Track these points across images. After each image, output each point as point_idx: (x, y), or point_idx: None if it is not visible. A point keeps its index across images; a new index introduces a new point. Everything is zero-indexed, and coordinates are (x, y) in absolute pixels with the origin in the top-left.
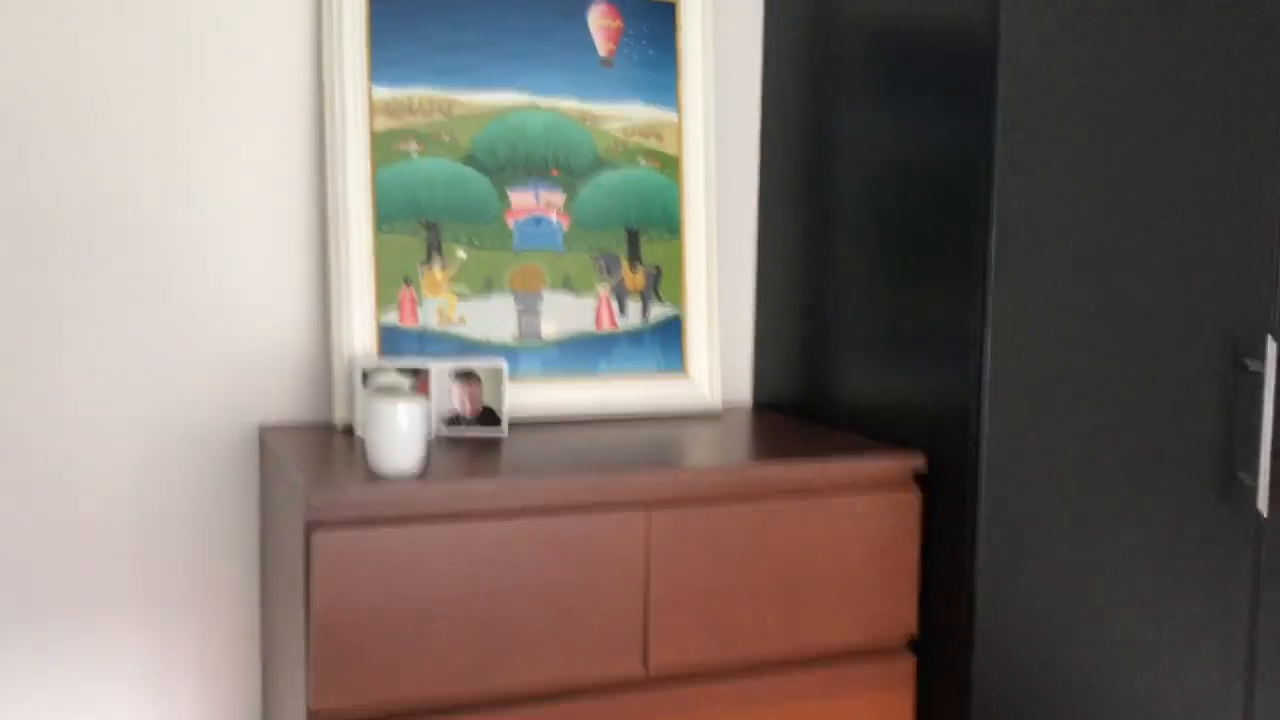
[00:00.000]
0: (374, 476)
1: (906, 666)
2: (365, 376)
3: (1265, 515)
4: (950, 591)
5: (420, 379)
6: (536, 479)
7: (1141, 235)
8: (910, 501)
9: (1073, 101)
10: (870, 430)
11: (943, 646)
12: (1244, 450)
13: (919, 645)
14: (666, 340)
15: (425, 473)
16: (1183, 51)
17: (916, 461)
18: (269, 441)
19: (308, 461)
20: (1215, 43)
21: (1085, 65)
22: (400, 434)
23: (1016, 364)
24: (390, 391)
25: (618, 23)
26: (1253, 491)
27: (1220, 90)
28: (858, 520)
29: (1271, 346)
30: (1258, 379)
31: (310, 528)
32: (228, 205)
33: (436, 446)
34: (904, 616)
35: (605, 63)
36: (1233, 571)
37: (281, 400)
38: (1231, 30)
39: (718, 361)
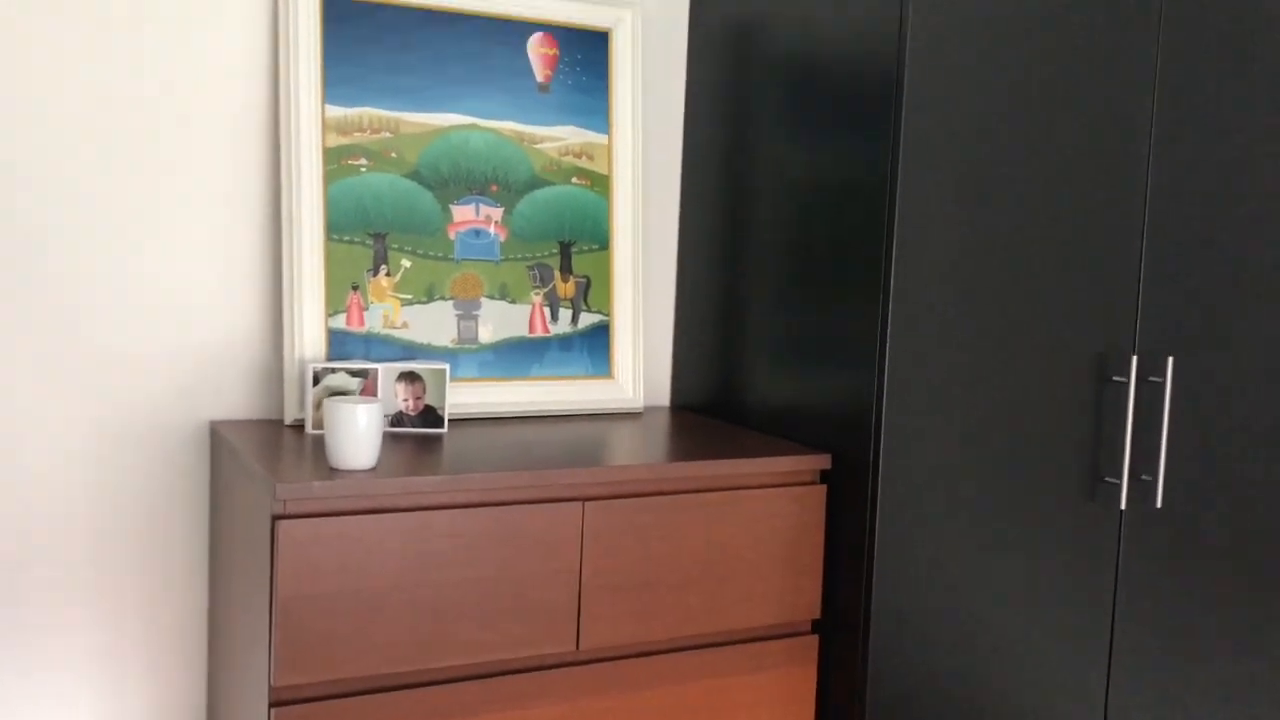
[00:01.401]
0: (332, 471)
1: (811, 645)
2: (316, 378)
3: (1125, 510)
4: (850, 577)
5: (368, 379)
6: (482, 473)
7: (1023, 258)
8: (816, 496)
9: (967, 133)
10: (778, 430)
11: (843, 627)
12: (1110, 454)
13: (822, 625)
14: (594, 345)
15: (377, 469)
16: (1063, 93)
17: (822, 461)
18: (223, 436)
19: (266, 456)
20: (1090, 87)
21: (979, 102)
22: (359, 433)
23: (911, 372)
24: (348, 395)
25: (554, 51)
26: (1117, 490)
27: (1093, 132)
28: (769, 513)
29: (1134, 362)
30: (1123, 390)
31: (276, 518)
32: (183, 210)
33: (383, 443)
34: (809, 600)
35: (542, 88)
36: (1100, 561)
37: (232, 397)
38: (1103, 77)
39: (641, 365)
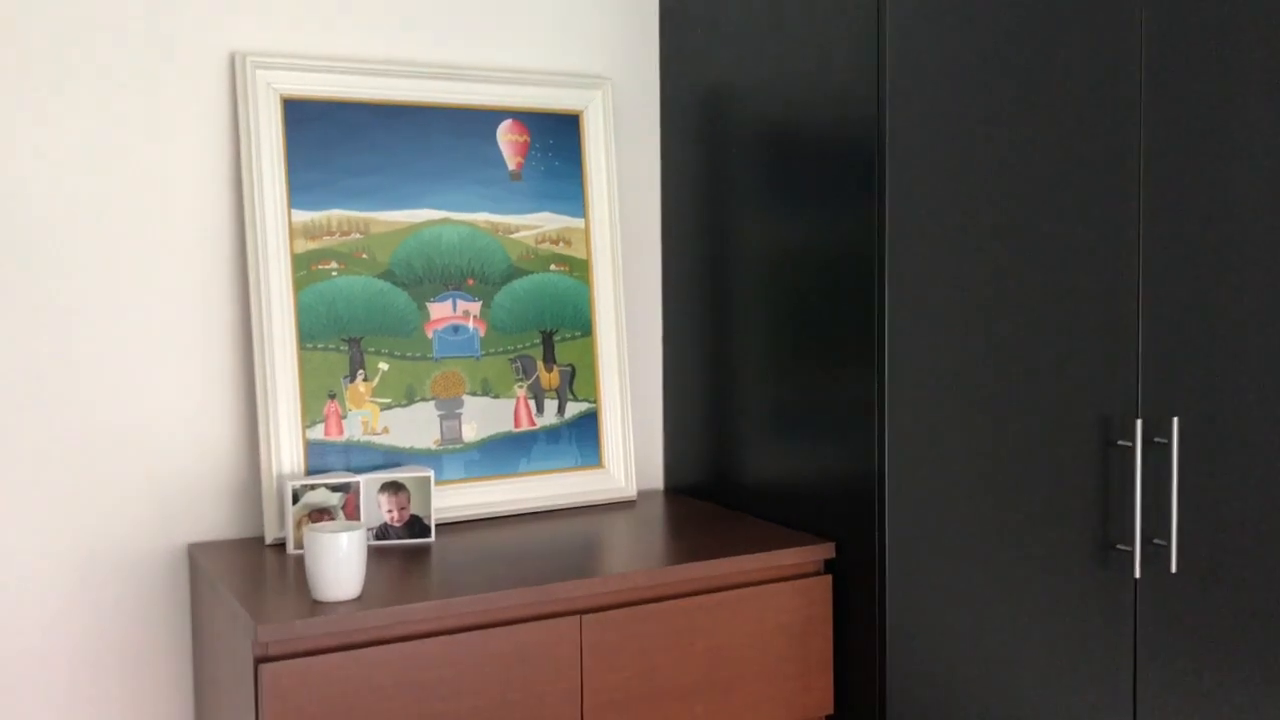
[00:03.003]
0: (315, 603)
1: None
2: (296, 495)
3: (1139, 578)
4: (862, 667)
5: (349, 493)
6: (472, 595)
7: (1020, 322)
8: (821, 588)
9: (955, 193)
10: (777, 512)
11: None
12: (1120, 520)
13: None
14: (583, 435)
15: (362, 596)
16: (1053, 147)
17: (826, 550)
18: (201, 562)
19: (246, 586)
20: (1080, 141)
21: (966, 159)
22: (342, 562)
23: (911, 446)
24: (328, 511)
25: (524, 137)
26: (1130, 557)
27: (1087, 190)
28: (774, 610)
29: (1139, 425)
30: (1129, 454)
31: (258, 660)
32: (151, 328)
33: (368, 560)
34: (820, 697)
35: (514, 176)
36: (1118, 629)
37: (211, 518)
38: (1093, 130)
39: (632, 452)
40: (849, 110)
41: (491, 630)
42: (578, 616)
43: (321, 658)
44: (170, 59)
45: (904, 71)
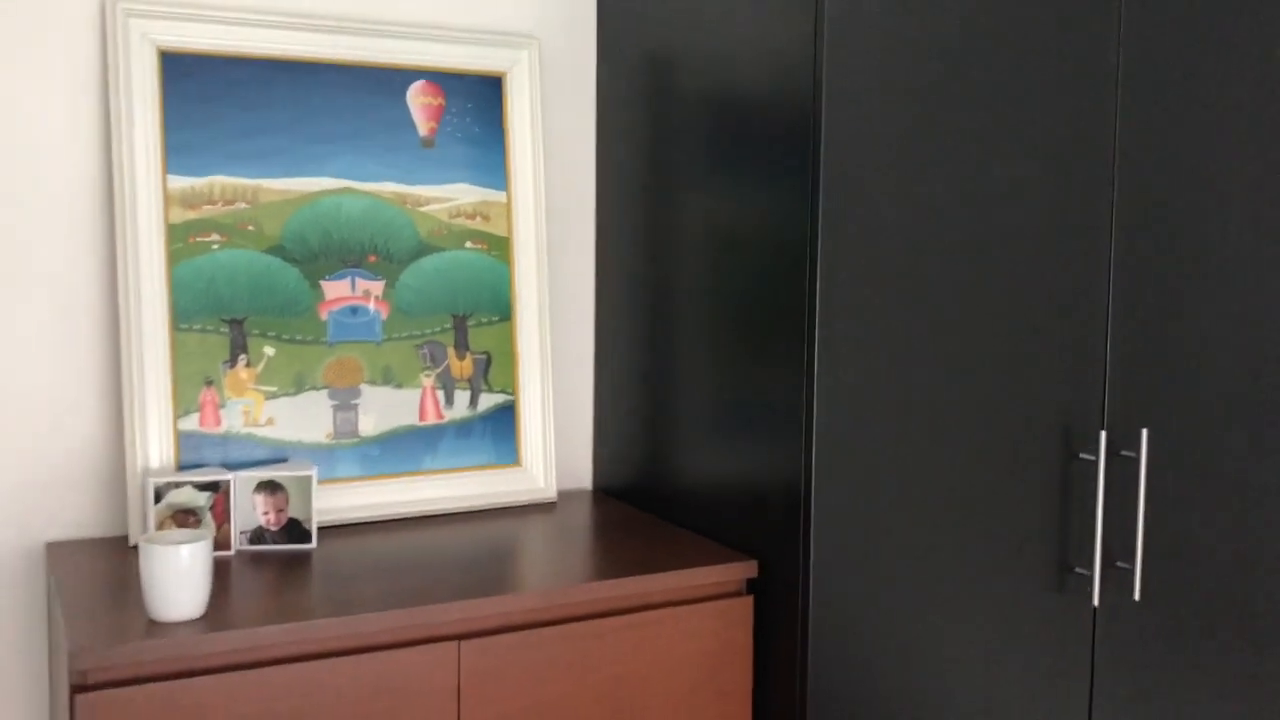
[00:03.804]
0: (151, 623)
1: None
2: (159, 494)
3: (1098, 605)
4: (782, 698)
5: (219, 492)
6: (333, 619)
7: (971, 320)
8: (741, 610)
9: (900, 175)
10: (705, 518)
11: None
12: (1079, 541)
13: None
14: (498, 430)
15: (210, 614)
16: (1015, 136)
17: (748, 568)
18: (54, 563)
19: (84, 598)
20: (1043, 123)
21: (913, 140)
22: (181, 577)
23: (844, 452)
24: (194, 512)
25: (439, 100)
26: (1088, 582)
27: (1050, 175)
28: (687, 634)
29: (1103, 437)
30: (1092, 469)
31: (74, 690)
32: (13, 304)
33: (237, 566)
34: None
35: (426, 143)
36: (1073, 660)
37: (73, 514)
38: (1057, 113)
39: (553, 450)
40: (785, 80)
41: (354, 657)
42: (456, 642)
43: (152, 686)
44: (32, 6)
45: (846, 35)
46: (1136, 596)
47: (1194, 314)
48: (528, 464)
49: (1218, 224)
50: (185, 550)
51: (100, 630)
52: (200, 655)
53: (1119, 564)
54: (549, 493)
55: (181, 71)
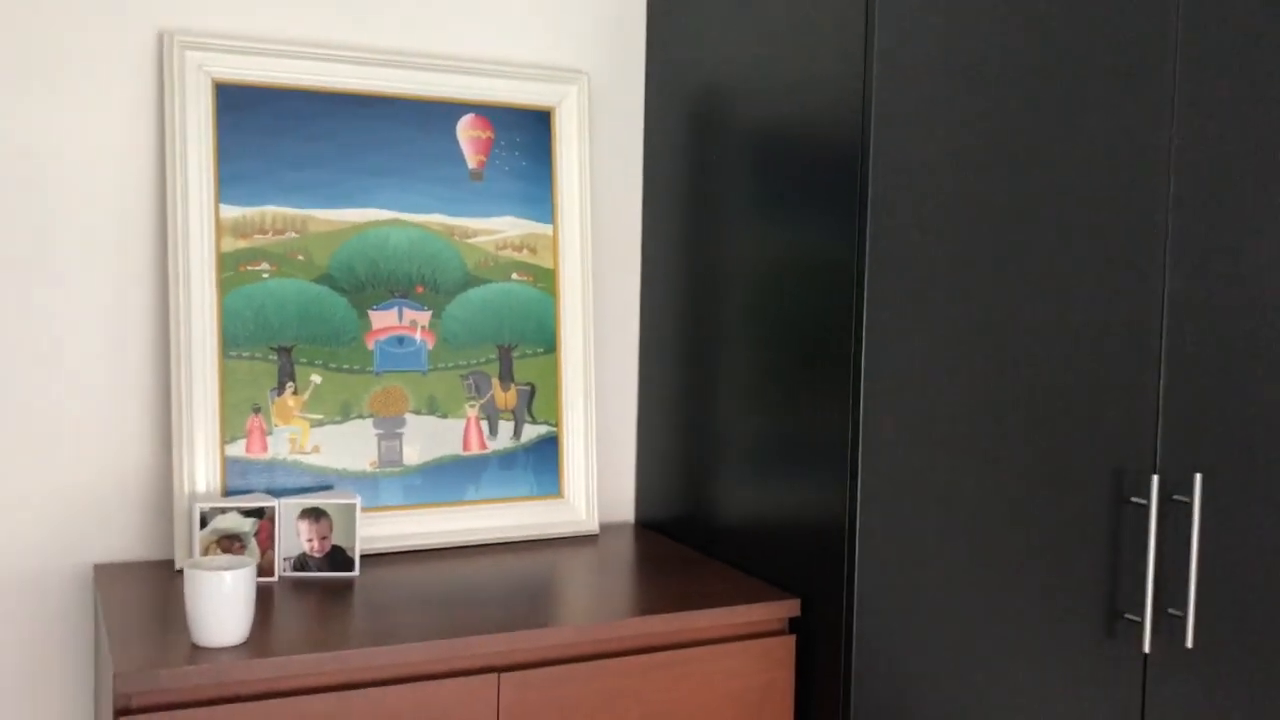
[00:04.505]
0: (194, 650)
1: None
2: (204, 519)
3: (1149, 652)
4: None
5: (264, 518)
6: (375, 648)
7: (1021, 359)
8: (783, 650)
9: (948, 217)
10: (747, 554)
11: None
12: (1131, 587)
13: None
14: (541, 461)
15: (252, 640)
16: (1064, 173)
17: (790, 606)
18: (101, 586)
19: (130, 623)
20: (1091, 165)
21: (962, 182)
22: (224, 603)
23: (891, 495)
24: (239, 538)
25: (488, 134)
26: (1139, 628)
27: (1103, 212)
28: (726, 672)
29: (1155, 481)
30: (1144, 514)
31: (118, 713)
32: (66, 331)
33: (279, 593)
34: None
35: (474, 175)
36: (1122, 712)
37: (121, 537)
38: (1107, 149)
39: (595, 482)
40: (833, 111)
41: (395, 687)
42: (496, 675)
43: (191, 712)
44: (93, 37)
45: (893, 75)
46: (1189, 644)
47: (1248, 356)
48: (570, 496)
49: (1273, 264)
50: (229, 576)
51: (144, 655)
52: (242, 681)
53: (1171, 611)
54: (591, 525)
55: (235, 103)
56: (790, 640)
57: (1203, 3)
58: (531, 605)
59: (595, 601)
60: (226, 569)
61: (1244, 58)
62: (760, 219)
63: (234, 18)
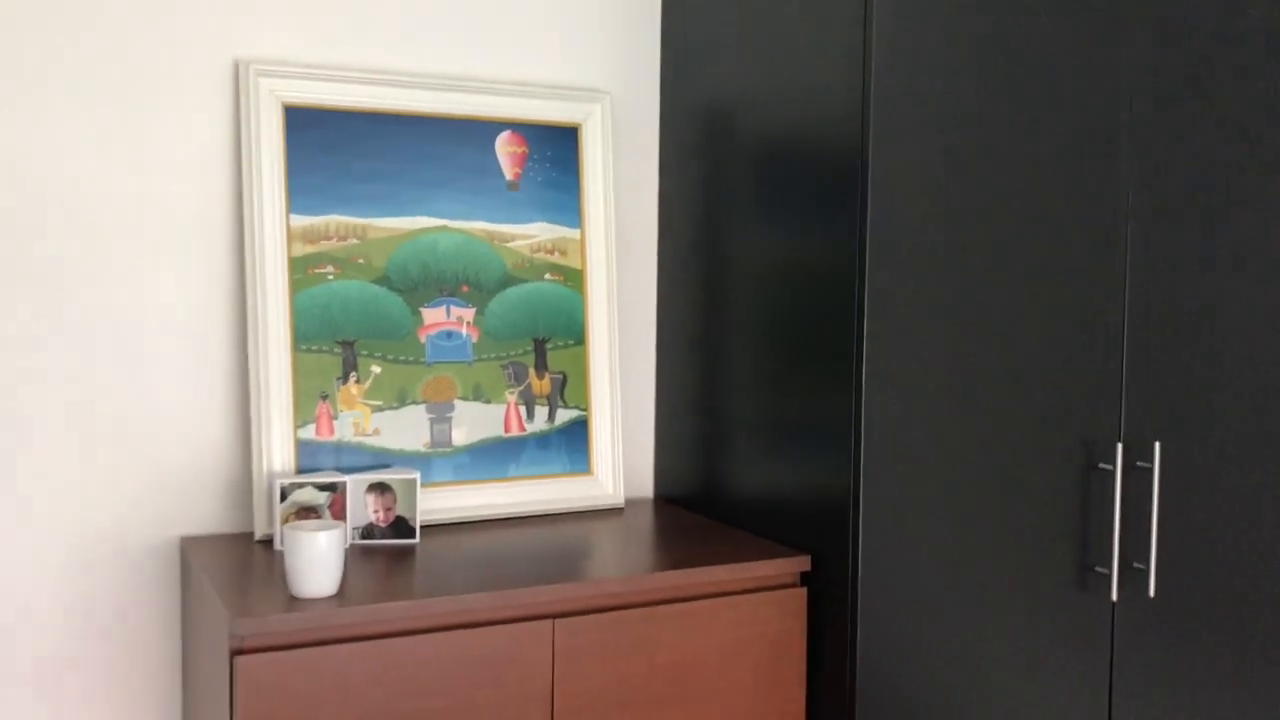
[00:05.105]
0: (293, 599)
1: None
2: (284, 493)
3: (1116, 601)
4: (834, 682)
5: (336, 493)
6: (447, 596)
7: (1002, 343)
8: (796, 601)
9: (937, 214)
10: (762, 523)
11: None
12: (1099, 543)
13: None
14: (572, 442)
15: (341, 593)
16: (1036, 170)
17: (801, 562)
18: (190, 555)
19: (229, 581)
20: (1064, 164)
21: (948, 183)
22: (319, 560)
23: (888, 462)
24: (315, 509)
25: (523, 149)
26: (1107, 580)
27: (1071, 212)
28: (747, 621)
29: (1119, 449)
30: (1110, 478)
31: (234, 653)
32: (153, 326)
33: (352, 557)
34: (794, 709)
35: (511, 186)
36: (1094, 652)
37: (203, 512)
38: (1078, 153)
39: (620, 460)
40: (834, 128)
41: (464, 631)
42: (550, 621)
43: (295, 652)
44: (177, 65)
45: (888, 91)
46: (1151, 594)
47: (1202, 337)
48: (598, 473)
49: (1225, 255)
50: (323, 537)
51: (253, 605)
52: (338, 626)
53: (1135, 564)
54: (617, 499)
55: (303, 124)
56: (802, 592)
57: (1167, 23)
58: (575, 563)
59: (629, 560)
60: (321, 530)
61: (1200, 63)
62: (768, 221)
63: (300, 48)
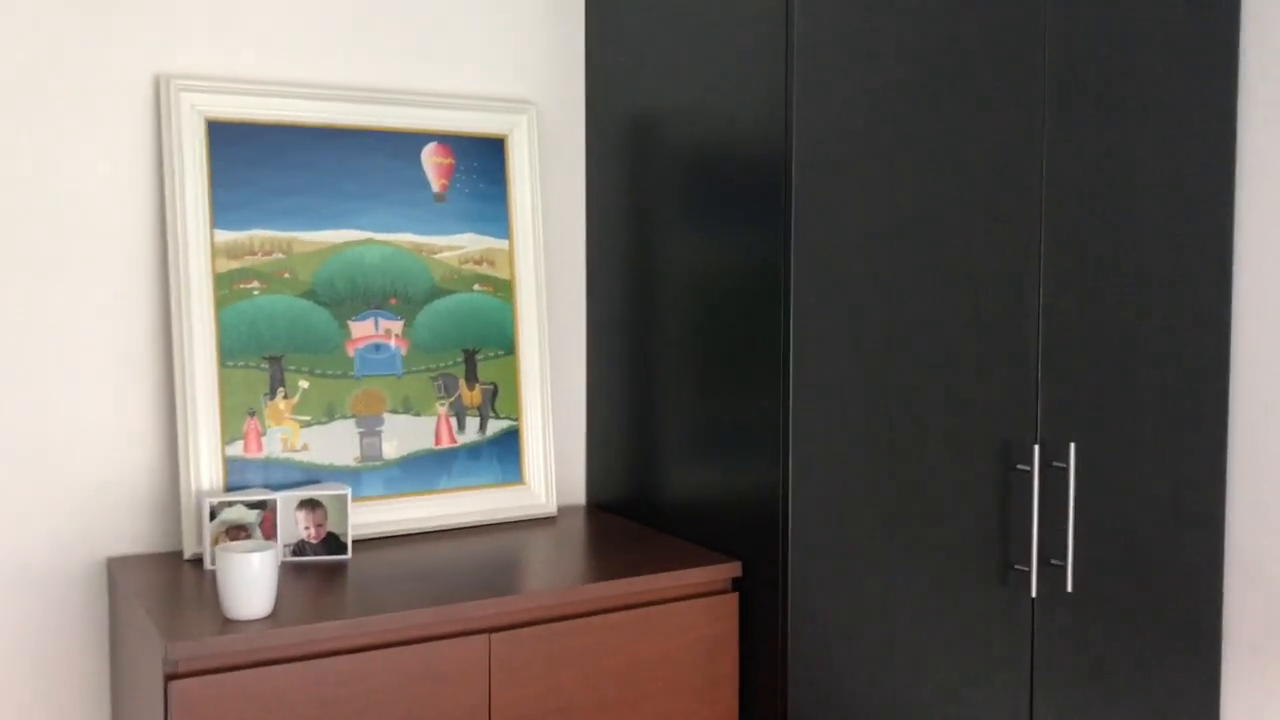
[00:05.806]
0: (227, 621)
1: None
2: (213, 512)
3: (1036, 596)
4: (767, 683)
5: (266, 510)
6: (382, 614)
7: (923, 350)
8: (728, 606)
9: (860, 222)
10: (693, 529)
11: None
12: (1019, 541)
13: None
14: (504, 452)
15: (275, 613)
16: (957, 179)
17: (733, 568)
18: (118, 577)
19: (159, 604)
20: (980, 175)
21: (872, 190)
22: (253, 581)
23: (815, 467)
24: (245, 528)
25: (449, 160)
26: (1027, 577)
27: (987, 222)
28: (681, 627)
29: (1036, 450)
30: (1028, 479)
31: (168, 678)
32: (75, 344)
33: (284, 576)
34: (726, 711)
35: (439, 198)
36: (1016, 646)
37: (131, 531)
38: (994, 167)
39: (553, 469)
40: (757, 138)
41: (401, 649)
42: (487, 635)
43: (231, 675)
44: (98, 81)
45: (811, 101)
46: (1069, 589)
47: (1113, 343)
48: (531, 482)
49: (1137, 253)
50: (256, 558)
51: (186, 628)
52: (274, 647)
53: (1053, 561)
54: (550, 508)
55: (226, 138)
56: (734, 597)
57: (1071, 38)
58: (509, 576)
59: (564, 571)
60: (254, 551)
61: (1106, 66)
62: (694, 231)
63: (223, 62)
